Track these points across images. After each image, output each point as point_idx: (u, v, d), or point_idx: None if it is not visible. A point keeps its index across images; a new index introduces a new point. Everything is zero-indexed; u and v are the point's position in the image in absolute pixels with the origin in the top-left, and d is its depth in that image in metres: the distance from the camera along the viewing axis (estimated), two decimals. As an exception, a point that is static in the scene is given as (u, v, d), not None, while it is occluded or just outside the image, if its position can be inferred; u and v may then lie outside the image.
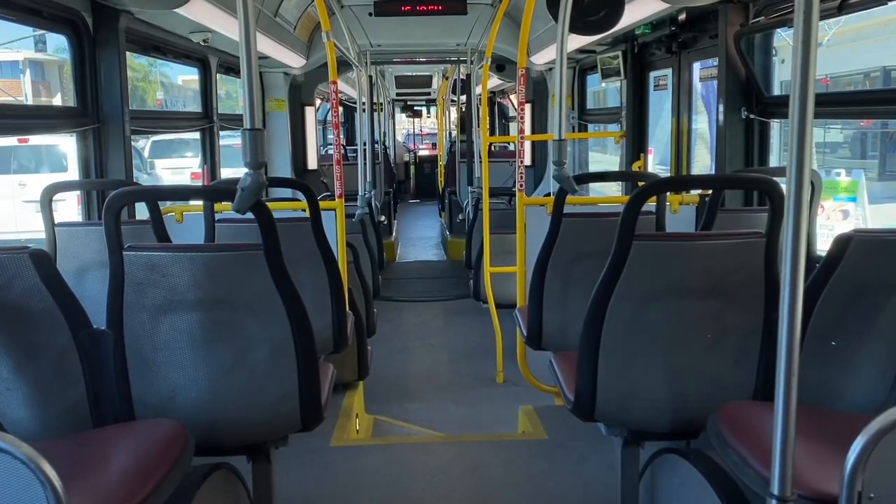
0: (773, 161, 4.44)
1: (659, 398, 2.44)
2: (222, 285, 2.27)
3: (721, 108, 4.39)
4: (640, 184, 2.77)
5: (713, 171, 4.71)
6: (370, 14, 7.44)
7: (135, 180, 5.12)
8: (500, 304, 5.65)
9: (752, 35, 4.25)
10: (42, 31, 4.17)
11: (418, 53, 9.94)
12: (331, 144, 4.81)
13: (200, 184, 6.90)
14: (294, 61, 7.48)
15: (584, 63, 7.64)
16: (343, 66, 7.90)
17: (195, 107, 6.38)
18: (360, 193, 6.52)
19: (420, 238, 13.08)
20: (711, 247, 2.35)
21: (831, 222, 4.33)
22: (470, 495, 3.37)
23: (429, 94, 18.14)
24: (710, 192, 3.73)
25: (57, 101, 13.88)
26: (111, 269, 2.22)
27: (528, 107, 9.29)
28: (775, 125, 4.39)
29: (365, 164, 6.91)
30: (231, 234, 3.43)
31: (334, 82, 4.47)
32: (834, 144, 8.68)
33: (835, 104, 4.01)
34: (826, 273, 2.19)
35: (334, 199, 4.38)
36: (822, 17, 3.44)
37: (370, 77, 9.64)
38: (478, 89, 8.52)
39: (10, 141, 11.05)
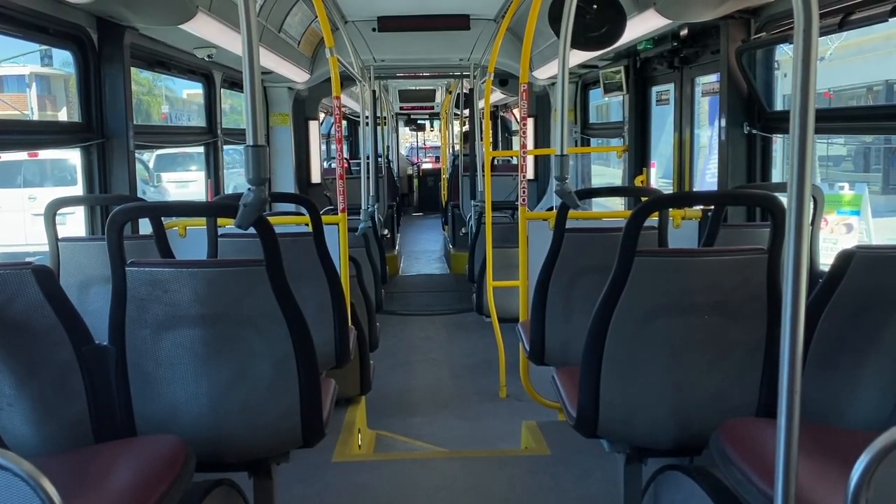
0: (777, 176, 4.44)
1: (662, 414, 2.43)
2: (224, 301, 2.27)
3: (723, 123, 4.40)
4: (643, 199, 2.77)
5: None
6: (374, 29, 7.49)
7: (140, 194, 5.14)
8: (503, 318, 5.64)
9: (753, 50, 4.27)
10: (48, 47, 4.20)
11: (421, 68, 10.00)
12: (334, 158, 4.81)
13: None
14: (298, 76, 7.52)
15: (586, 78, 7.67)
16: (347, 80, 7.95)
17: (200, 121, 6.41)
18: (363, 207, 6.54)
19: (423, 252, 13.08)
20: (713, 262, 2.35)
21: (835, 236, 4.31)
22: None
23: (432, 107, 18.22)
24: (712, 207, 3.73)
25: (62, 115, 13.95)
26: (113, 284, 2.23)
27: (530, 121, 9.36)
28: (778, 140, 4.39)
29: (368, 177, 6.93)
30: (234, 249, 3.43)
31: (338, 97, 4.49)
32: (837, 158, 8.68)
33: (836, 119, 4.02)
34: (829, 289, 2.18)
35: (337, 214, 4.39)
36: (823, 33, 3.46)
37: (373, 91, 9.68)
38: (481, 103, 8.55)
39: (21, 155, 11.12)
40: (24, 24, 3.54)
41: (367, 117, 8.11)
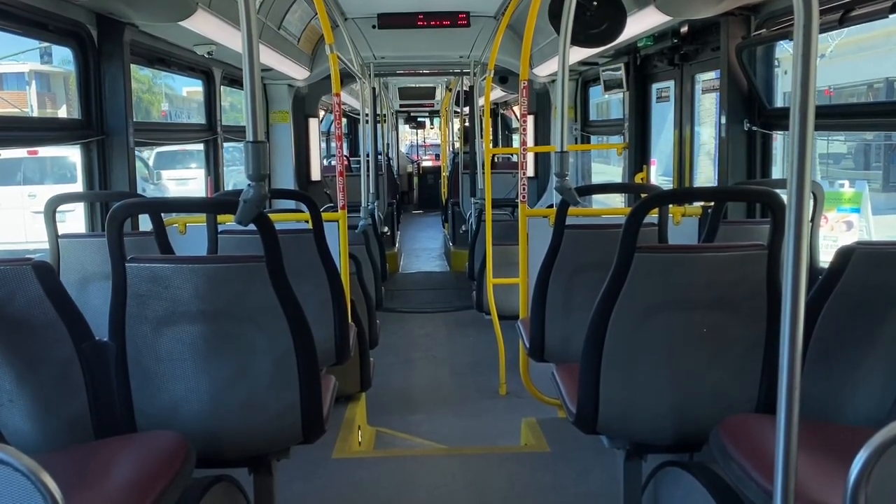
0: (777, 173, 4.44)
1: (661, 411, 2.43)
2: (224, 297, 2.27)
3: (723, 119, 4.40)
4: (643, 195, 2.77)
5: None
6: (374, 26, 7.49)
7: (140, 192, 5.14)
8: (502, 315, 5.65)
9: (753, 47, 4.26)
10: (47, 44, 4.19)
11: (421, 65, 9.99)
12: (334, 156, 4.83)
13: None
14: (298, 73, 7.52)
15: (586, 75, 7.66)
16: (347, 77, 7.94)
17: (199, 118, 6.41)
18: (363, 205, 6.54)
19: (423, 249, 13.08)
20: (713, 259, 2.35)
21: (835, 233, 4.32)
22: None
23: (432, 105, 18.22)
24: (712, 203, 3.74)
25: (62, 112, 13.94)
26: (113, 280, 2.23)
27: (530, 118, 9.34)
28: (778, 136, 4.39)
29: (368, 175, 6.93)
30: (234, 246, 3.44)
31: (338, 94, 4.48)
32: (837, 155, 8.68)
33: (836, 116, 4.01)
34: (828, 285, 2.18)
35: (337, 211, 4.39)
36: (823, 30, 3.46)
37: (373, 89, 9.67)
38: (481, 101, 8.55)
39: (21, 152, 11.13)
40: (23, 20, 3.53)
41: (366, 115, 8.10)
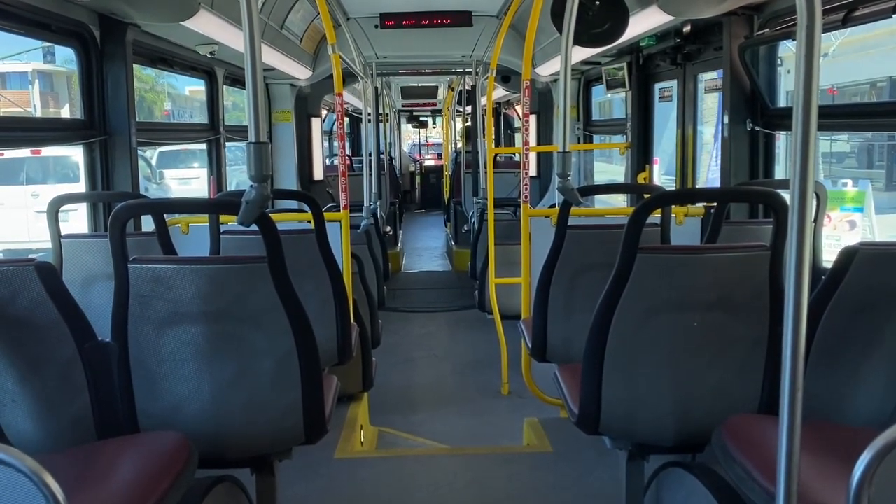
0: (780, 172, 4.43)
1: (664, 411, 2.43)
2: (226, 298, 2.27)
3: (726, 119, 4.39)
4: (645, 196, 2.77)
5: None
6: (376, 26, 7.49)
7: (143, 191, 5.14)
8: (505, 315, 5.65)
9: (756, 47, 4.26)
10: (50, 43, 4.20)
11: (424, 65, 9.98)
12: (336, 155, 4.84)
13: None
14: (300, 73, 7.52)
15: (589, 74, 7.66)
16: (349, 77, 7.94)
17: (202, 118, 6.41)
18: (365, 204, 6.54)
19: (425, 249, 13.08)
20: (716, 259, 2.34)
21: (838, 233, 4.31)
22: None
23: (434, 104, 18.22)
24: (715, 203, 3.73)
25: (65, 111, 13.96)
26: (116, 281, 2.23)
27: (533, 118, 9.34)
28: (781, 136, 4.38)
29: (370, 174, 6.93)
30: (237, 246, 3.44)
31: (340, 94, 4.49)
32: (840, 155, 8.66)
33: (839, 116, 4.00)
34: (831, 286, 2.18)
35: (339, 210, 4.40)
36: (826, 30, 3.45)
37: (376, 88, 9.67)
38: (483, 100, 8.54)
39: (24, 152, 11.15)
40: (26, 21, 3.53)
41: (369, 114, 8.10)
